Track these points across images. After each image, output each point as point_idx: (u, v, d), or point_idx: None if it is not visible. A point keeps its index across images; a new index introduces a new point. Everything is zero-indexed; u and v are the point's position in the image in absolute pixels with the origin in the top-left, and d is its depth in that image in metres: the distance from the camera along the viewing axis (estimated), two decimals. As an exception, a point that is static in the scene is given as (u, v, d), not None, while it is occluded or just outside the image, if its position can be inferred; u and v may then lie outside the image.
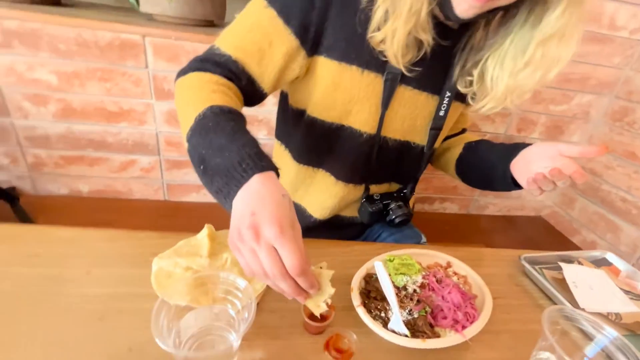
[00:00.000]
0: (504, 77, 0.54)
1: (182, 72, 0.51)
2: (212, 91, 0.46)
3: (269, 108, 1.06)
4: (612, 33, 1.09)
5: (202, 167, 0.40)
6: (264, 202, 0.35)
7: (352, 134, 0.60)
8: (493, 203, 1.40)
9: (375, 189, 0.69)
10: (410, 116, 0.60)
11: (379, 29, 0.49)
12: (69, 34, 0.88)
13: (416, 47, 0.52)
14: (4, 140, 1.00)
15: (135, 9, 1.06)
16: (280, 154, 0.72)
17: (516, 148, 0.58)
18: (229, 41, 0.52)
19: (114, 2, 1.34)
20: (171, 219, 1.10)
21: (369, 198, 0.67)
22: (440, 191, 1.31)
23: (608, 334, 0.40)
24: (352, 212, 0.71)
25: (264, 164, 0.38)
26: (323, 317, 0.41)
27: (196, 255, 0.51)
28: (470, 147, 0.69)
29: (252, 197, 0.36)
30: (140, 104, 1.00)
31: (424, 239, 0.75)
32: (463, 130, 0.75)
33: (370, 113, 0.58)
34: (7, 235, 0.51)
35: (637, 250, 1.10)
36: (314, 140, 0.63)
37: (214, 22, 1.18)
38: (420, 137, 0.64)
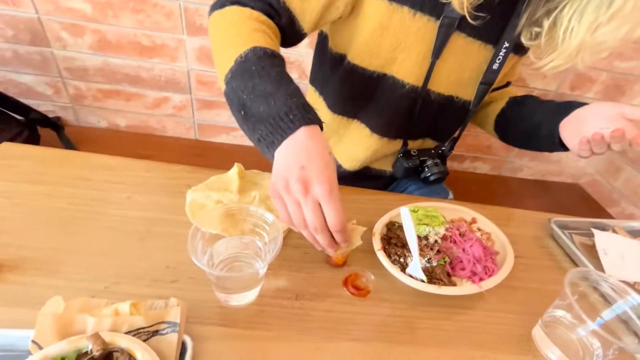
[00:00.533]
0: (581, 31, 0.46)
1: (219, 5, 0.47)
2: (253, 29, 0.44)
3: (302, 50, 1.02)
4: None
5: (242, 113, 0.39)
6: (312, 157, 0.35)
7: (394, 85, 0.57)
8: (528, 166, 1.33)
9: (412, 144, 0.67)
10: (459, 67, 0.56)
11: None
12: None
13: None
14: (47, 70, 1.04)
15: None
16: (313, 101, 0.70)
17: (569, 106, 0.53)
18: None
19: None
20: (202, 158, 1.14)
21: (406, 153, 0.65)
22: (473, 149, 1.26)
23: (632, 299, 0.39)
24: (382, 165, 0.70)
25: (311, 116, 0.37)
26: (338, 259, 0.43)
27: (227, 191, 0.54)
28: (515, 102, 0.64)
29: (300, 150, 0.35)
30: (172, 39, 0.99)
31: (451, 196, 0.74)
32: (507, 84, 0.69)
33: (417, 62, 0.54)
34: (58, 157, 0.55)
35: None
36: (352, 89, 0.60)
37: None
38: (467, 92, 0.59)
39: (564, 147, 0.55)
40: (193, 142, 1.20)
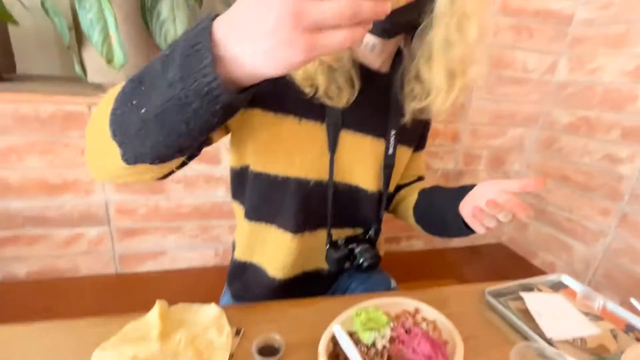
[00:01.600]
0: (439, 64, 0.54)
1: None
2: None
3: (226, 164, 1.06)
4: (526, 75, 1.26)
5: (162, 68, 0.29)
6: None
7: (299, 184, 0.59)
8: (456, 235, 1.45)
9: (339, 234, 0.67)
10: (359, 160, 0.61)
11: (305, 77, 0.51)
12: (5, 109, 0.85)
13: (348, 84, 0.54)
14: None
15: (83, 79, 1.05)
16: (238, 214, 0.70)
17: (463, 190, 0.59)
18: None
19: (60, 73, 1.33)
20: (123, 295, 1.00)
21: (333, 244, 0.65)
22: (405, 229, 1.33)
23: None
24: (316, 264, 0.69)
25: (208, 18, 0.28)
26: None
27: (145, 340, 0.46)
28: (424, 194, 0.70)
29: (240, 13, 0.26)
30: (86, 173, 0.95)
31: (393, 284, 0.73)
32: (419, 179, 0.77)
33: (314, 160, 0.58)
34: None
35: (589, 267, 1.17)
36: (262, 195, 0.61)
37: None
38: (374, 181, 0.64)
39: (471, 230, 0.58)
40: (112, 277, 1.06)
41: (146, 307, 0.49)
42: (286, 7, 0.23)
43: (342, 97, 0.54)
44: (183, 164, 0.48)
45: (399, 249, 1.36)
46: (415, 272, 1.20)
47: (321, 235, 0.65)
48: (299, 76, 0.52)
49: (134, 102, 0.31)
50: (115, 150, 0.36)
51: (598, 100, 1.14)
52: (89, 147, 0.42)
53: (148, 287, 1.04)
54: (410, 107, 0.59)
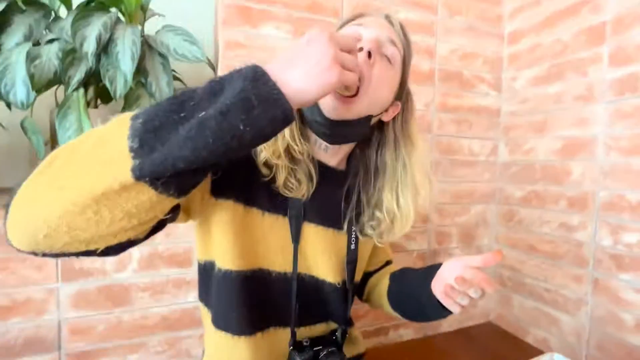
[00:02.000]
0: (406, 205, 0.63)
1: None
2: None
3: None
4: (474, 158, 1.41)
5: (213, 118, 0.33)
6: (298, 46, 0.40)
7: (263, 276, 0.58)
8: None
9: (303, 333, 0.63)
10: (322, 252, 0.62)
11: (263, 151, 0.55)
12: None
13: (306, 177, 0.58)
14: None
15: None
16: (205, 320, 0.65)
17: (431, 270, 0.61)
18: None
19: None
20: None
21: (296, 344, 0.61)
22: (392, 319, 1.27)
23: None
24: None
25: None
26: None
27: None
28: (394, 277, 0.71)
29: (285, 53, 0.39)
30: (40, 290, 0.87)
31: None
32: (387, 263, 0.78)
33: (277, 250, 0.59)
34: None
35: (581, 339, 1.14)
36: (229, 297, 0.58)
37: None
38: (339, 274, 0.64)
39: (447, 310, 0.58)
40: (55, 419, 0.87)
41: None
42: (329, 48, 0.38)
43: (301, 189, 0.58)
44: (154, 231, 0.44)
45: (387, 340, 1.27)
46: (409, 367, 1.10)
47: (284, 335, 0.61)
48: (260, 159, 0.56)
49: (182, 114, 0.34)
50: (112, 167, 0.33)
51: (539, 176, 1.28)
52: (43, 178, 0.35)
53: None
54: (367, 213, 0.65)
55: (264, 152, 0.55)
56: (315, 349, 0.61)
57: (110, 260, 0.92)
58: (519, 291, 1.34)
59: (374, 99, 0.55)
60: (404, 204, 0.62)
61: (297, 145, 0.56)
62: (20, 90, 0.92)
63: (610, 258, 1.05)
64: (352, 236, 0.64)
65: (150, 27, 1.15)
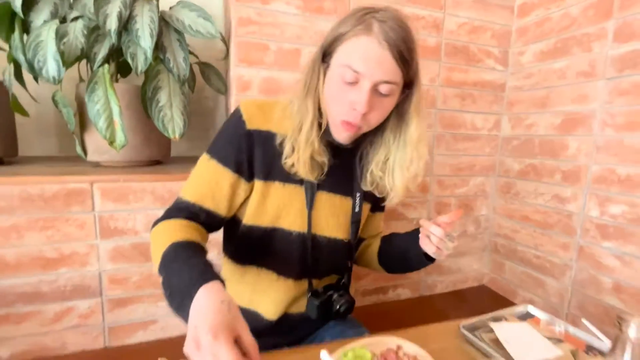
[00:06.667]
0: (398, 179, 0.71)
1: (155, 223, 0.63)
2: (175, 231, 0.58)
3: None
4: (476, 132, 1.46)
5: (168, 293, 0.49)
6: (202, 313, 0.42)
7: (283, 234, 0.71)
8: (439, 280, 1.51)
9: (318, 284, 0.77)
10: (332, 215, 0.74)
11: (289, 157, 0.66)
12: (12, 191, 0.92)
13: (319, 166, 0.68)
14: None
15: (83, 158, 1.16)
16: (227, 265, 0.78)
17: (417, 231, 0.73)
18: (187, 191, 0.67)
19: (59, 153, 1.43)
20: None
21: (314, 292, 0.75)
22: (390, 279, 1.39)
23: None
24: (299, 309, 0.76)
25: (208, 276, 0.46)
26: None
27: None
28: (385, 240, 0.84)
29: (195, 310, 0.43)
30: (83, 246, 1.00)
31: (367, 334, 0.79)
32: (378, 234, 0.90)
33: (296, 215, 0.70)
34: None
35: (564, 300, 1.24)
36: (253, 244, 0.72)
37: (160, 161, 1.31)
38: (345, 233, 0.76)
39: (430, 259, 0.72)
40: (101, 352, 1.04)
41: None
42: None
43: (314, 175, 0.69)
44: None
45: (386, 298, 1.40)
46: (404, 320, 1.23)
47: (303, 284, 0.75)
48: (289, 164, 0.66)
49: (165, 284, 0.51)
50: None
51: (538, 150, 1.33)
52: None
53: (139, 358, 1.02)
54: (368, 179, 0.74)
55: (290, 159, 0.65)
56: (328, 293, 0.74)
57: (140, 221, 1.04)
58: (511, 258, 1.44)
59: (377, 123, 0.66)
60: (400, 175, 0.70)
61: (319, 155, 0.67)
62: (51, 66, 0.99)
63: (596, 227, 1.13)
64: (357, 200, 0.75)
65: (164, 2, 1.19)
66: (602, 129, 1.12)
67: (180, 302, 0.45)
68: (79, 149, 1.14)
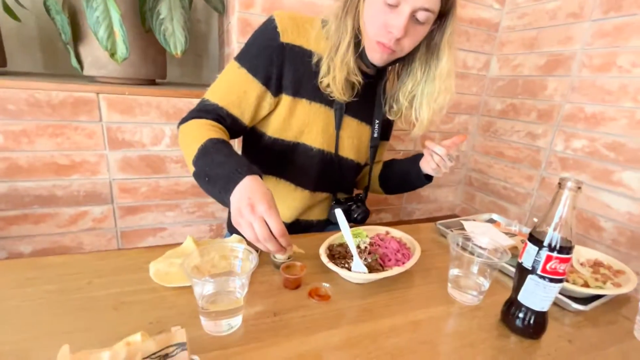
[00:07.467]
0: (424, 111, 0.75)
1: (183, 120, 0.68)
2: (207, 130, 0.63)
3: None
4: (466, 71, 1.52)
5: (206, 179, 0.57)
6: (254, 191, 0.51)
7: (305, 149, 0.77)
8: (417, 208, 1.68)
9: (340, 195, 0.89)
10: (355, 138, 0.81)
11: (325, 77, 0.69)
12: (20, 94, 0.93)
13: (351, 87, 0.72)
14: None
15: (79, 73, 1.15)
16: None
17: (418, 155, 0.83)
18: (215, 94, 0.70)
19: (44, 70, 1.39)
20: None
21: (337, 201, 0.86)
22: (376, 203, 1.54)
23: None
24: (310, 216, 0.87)
25: (254, 169, 0.55)
26: (296, 276, 0.55)
27: (187, 256, 0.60)
28: (386, 165, 0.94)
29: (247, 189, 0.52)
30: (93, 155, 1.05)
31: None
32: (380, 161, 1.00)
33: (319, 132, 0.76)
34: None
35: (521, 222, 1.43)
36: (275, 156, 0.78)
37: (155, 81, 1.30)
38: (364, 156, 0.85)
39: (428, 179, 0.82)
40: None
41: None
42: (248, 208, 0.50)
43: (347, 95, 0.72)
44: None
45: (370, 221, 1.56)
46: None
47: (319, 194, 0.84)
48: (325, 83, 0.70)
49: (203, 172, 0.59)
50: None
51: (520, 90, 1.42)
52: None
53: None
54: (394, 108, 0.79)
55: (326, 78, 0.68)
56: (348, 203, 0.86)
57: (147, 135, 1.09)
58: (482, 190, 1.61)
59: (409, 49, 0.66)
60: (426, 107, 0.74)
61: (354, 75, 0.69)
62: (43, -34, 0.94)
63: (559, 160, 1.28)
64: (376, 127, 0.81)
65: None
66: (580, 70, 1.21)
67: (223, 185, 0.53)
68: (74, 61, 1.12)
